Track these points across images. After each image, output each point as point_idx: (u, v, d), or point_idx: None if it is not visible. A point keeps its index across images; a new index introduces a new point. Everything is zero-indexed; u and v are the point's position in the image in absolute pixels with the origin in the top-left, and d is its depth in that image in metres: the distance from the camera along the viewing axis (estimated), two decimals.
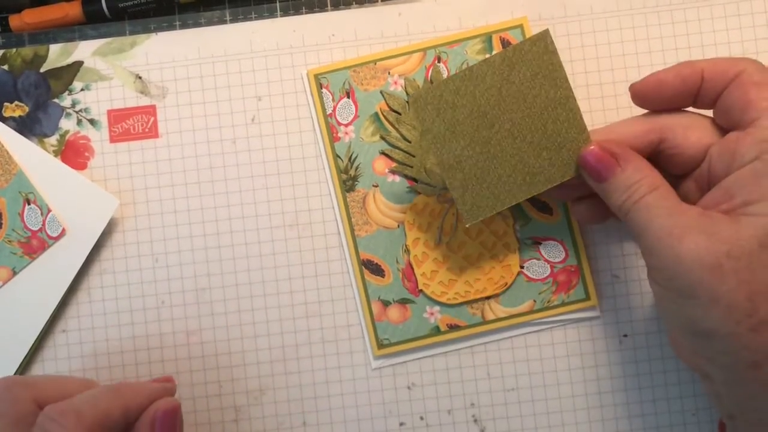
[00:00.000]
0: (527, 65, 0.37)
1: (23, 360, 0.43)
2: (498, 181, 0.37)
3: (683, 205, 0.34)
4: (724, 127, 0.37)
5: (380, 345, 0.44)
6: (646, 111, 0.39)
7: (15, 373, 0.43)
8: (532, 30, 0.44)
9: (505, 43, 0.44)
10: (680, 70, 0.37)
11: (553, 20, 0.45)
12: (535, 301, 0.44)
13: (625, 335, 0.44)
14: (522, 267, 0.44)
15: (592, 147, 0.37)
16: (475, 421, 0.44)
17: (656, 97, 0.37)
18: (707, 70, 0.36)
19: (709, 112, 0.37)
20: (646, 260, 0.35)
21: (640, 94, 0.38)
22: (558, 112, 0.37)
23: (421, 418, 0.44)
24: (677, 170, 0.38)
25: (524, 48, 0.37)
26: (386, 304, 0.44)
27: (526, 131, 0.37)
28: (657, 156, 0.38)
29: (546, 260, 0.44)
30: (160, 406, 0.36)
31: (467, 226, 0.37)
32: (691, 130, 0.37)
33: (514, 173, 0.37)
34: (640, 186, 0.35)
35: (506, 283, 0.43)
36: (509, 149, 0.37)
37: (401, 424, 0.44)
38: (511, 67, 0.37)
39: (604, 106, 0.44)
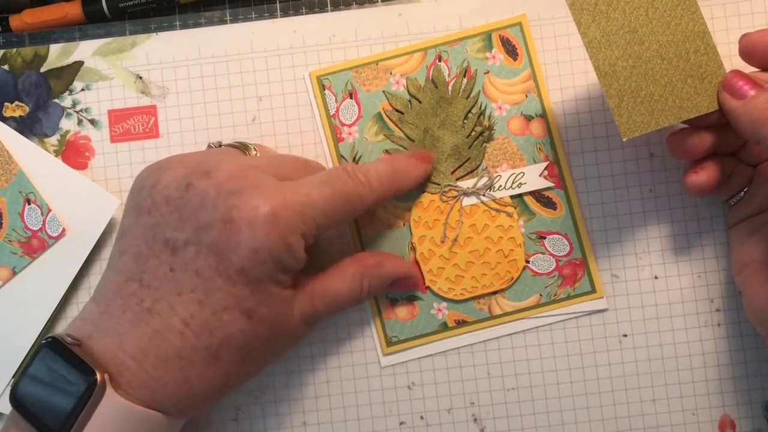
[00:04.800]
0: None
1: (23, 360, 0.43)
2: (650, 99, 0.38)
3: None
4: None
5: (389, 343, 0.44)
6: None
7: (15, 374, 0.43)
8: (532, 28, 0.44)
9: (504, 41, 0.44)
10: None
11: (553, 20, 0.45)
12: (541, 295, 0.44)
13: (625, 335, 0.44)
14: (527, 261, 0.44)
15: (733, 70, 0.38)
16: (475, 420, 0.44)
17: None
18: None
19: None
20: None
21: (750, 48, 0.39)
22: (698, 44, 0.39)
23: (421, 418, 0.44)
24: None
25: None
26: (394, 301, 0.44)
27: (672, 55, 0.38)
28: None
29: (551, 254, 0.44)
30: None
31: (624, 140, 0.38)
32: None
33: (664, 94, 0.38)
34: None
35: (512, 278, 0.44)
36: (659, 69, 0.38)
37: (401, 423, 0.44)
38: None
39: (604, 106, 0.44)
